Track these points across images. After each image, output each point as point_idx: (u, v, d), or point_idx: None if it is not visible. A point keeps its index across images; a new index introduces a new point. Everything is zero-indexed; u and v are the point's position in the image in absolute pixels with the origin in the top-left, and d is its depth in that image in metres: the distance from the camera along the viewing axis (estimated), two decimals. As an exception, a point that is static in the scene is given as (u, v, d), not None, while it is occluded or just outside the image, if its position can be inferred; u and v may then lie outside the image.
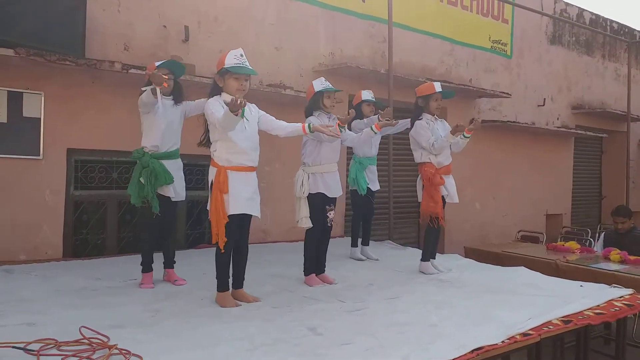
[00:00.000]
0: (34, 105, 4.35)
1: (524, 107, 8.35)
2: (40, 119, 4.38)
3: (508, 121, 7.69)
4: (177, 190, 3.70)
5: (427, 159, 4.20)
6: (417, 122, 4.24)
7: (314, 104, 3.88)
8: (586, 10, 9.38)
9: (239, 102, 2.87)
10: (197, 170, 5.22)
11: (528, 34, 8.44)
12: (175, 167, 3.70)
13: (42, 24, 4.06)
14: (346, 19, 6.21)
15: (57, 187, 4.49)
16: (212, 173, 3.22)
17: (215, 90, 3.27)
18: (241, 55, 3.19)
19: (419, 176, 4.29)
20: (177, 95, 3.72)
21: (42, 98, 4.38)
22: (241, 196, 3.17)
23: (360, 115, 4.80)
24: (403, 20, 6.56)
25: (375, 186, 4.88)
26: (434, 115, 4.26)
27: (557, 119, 8.94)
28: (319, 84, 3.88)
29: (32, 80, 4.32)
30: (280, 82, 5.54)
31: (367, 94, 4.88)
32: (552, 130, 8.42)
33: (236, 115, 2.93)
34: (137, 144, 3.66)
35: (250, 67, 3.20)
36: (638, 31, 10.38)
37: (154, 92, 3.37)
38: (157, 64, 3.64)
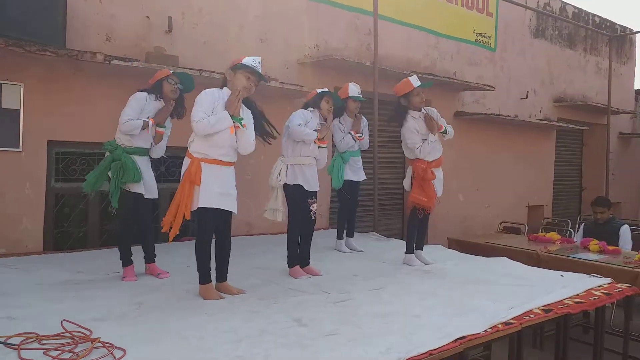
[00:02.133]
0: (14, 97, 4.26)
1: (507, 100, 8.43)
2: (19, 110, 4.29)
3: (491, 114, 7.76)
4: (148, 187, 3.67)
5: (418, 154, 4.21)
6: (404, 126, 4.16)
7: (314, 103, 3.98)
8: (569, 4, 9.47)
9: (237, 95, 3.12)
10: (180, 162, 5.15)
11: (512, 27, 8.50)
12: (145, 164, 3.67)
13: (21, 13, 3.96)
14: (331, 11, 6.18)
15: (37, 179, 4.41)
16: (185, 164, 3.20)
17: (221, 84, 3.31)
18: (259, 62, 3.28)
19: (409, 167, 4.29)
20: (178, 108, 3.77)
21: (22, 89, 4.29)
22: (213, 190, 3.11)
23: (343, 111, 4.65)
24: (388, 13, 6.56)
25: (360, 176, 4.86)
26: (420, 110, 4.20)
27: (540, 111, 9.04)
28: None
29: (11, 71, 4.22)
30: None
31: (354, 90, 4.65)
32: (535, 123, 8.51)
33: (232, 115, 3.10)
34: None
35: (263, 75, 3.32)
36: (619, 25, 10.51)
37: (145, 127, 3.53)
38: (171, 70, 3.71)
